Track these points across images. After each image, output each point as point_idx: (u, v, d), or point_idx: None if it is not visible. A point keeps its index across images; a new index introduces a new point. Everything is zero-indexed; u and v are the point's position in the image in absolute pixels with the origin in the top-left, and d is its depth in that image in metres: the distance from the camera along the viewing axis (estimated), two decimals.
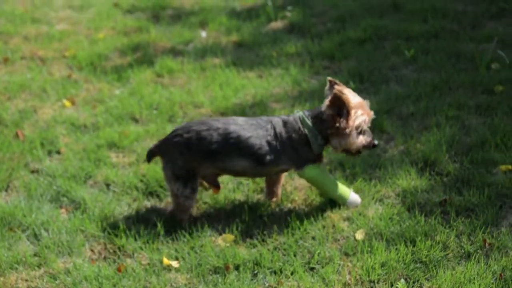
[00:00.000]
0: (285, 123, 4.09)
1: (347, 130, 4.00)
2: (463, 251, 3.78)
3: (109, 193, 4.50)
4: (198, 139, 4.03)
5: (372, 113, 4.10)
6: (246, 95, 5.67)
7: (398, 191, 4.32)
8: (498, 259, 3.67)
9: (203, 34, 6.98)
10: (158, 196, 4.47)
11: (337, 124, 3.99)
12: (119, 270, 3.80)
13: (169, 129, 5.17)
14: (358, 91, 5.47)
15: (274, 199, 4.35)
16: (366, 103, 4.09)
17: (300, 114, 4.11)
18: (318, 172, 4.13)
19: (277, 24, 7.10)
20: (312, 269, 3.76)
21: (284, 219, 4.12)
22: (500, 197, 4.17)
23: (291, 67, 6.10)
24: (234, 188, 4.47)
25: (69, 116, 5.47)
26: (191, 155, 4.05)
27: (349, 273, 3.70)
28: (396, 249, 3.80)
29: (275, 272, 3.74)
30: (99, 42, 6.88)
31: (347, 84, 5.60)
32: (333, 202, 4.22)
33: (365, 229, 4.00)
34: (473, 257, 3.71)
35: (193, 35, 6.97)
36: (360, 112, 4.02)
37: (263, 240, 3.99)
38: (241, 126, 4.06)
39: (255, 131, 4.05)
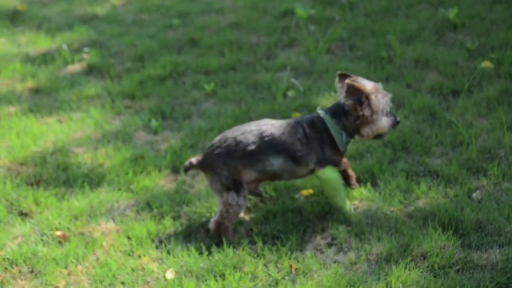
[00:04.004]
0: (312, 124, 4.19)
1: (375, 116, 4.13)
2: (271, 279, 3.83)
3: None
4: (236, 144, 4.12)
5: (389, 93, 4.24)
6: (46, 142, 5.47)
7: (206, 226, 4.32)
8: (304, 283, 3.75)
9: None
10: None
11: (361, 113, 4.09)
12: None
13: None
14: (161, 128, 5.51)
15: (354, 185, 4.43)
16: (380, 86, 4.20)
17: (321, 113, 4.20)
18: (337, 176, 4.22)
19: (75, 67, 6.93)
20: None
21: (92, 266, 3.99)
22: (303, 222, 4.28)
23: (92, 109, 5.97)
24: (36, 241, 4.27)
25: None
26: (233, 163, 4.12)
27: None
28: (206, 284, 3.78)
29: None
30: None
31: (149, 122, 5.59)
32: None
33: (175, 268, 3.95)
34: (281, 284, 3.76)
35: None
36: (380, 95, 4.15)
37: None
38: (272, 125, 4.20)
39: (286, 129, 4.18)
